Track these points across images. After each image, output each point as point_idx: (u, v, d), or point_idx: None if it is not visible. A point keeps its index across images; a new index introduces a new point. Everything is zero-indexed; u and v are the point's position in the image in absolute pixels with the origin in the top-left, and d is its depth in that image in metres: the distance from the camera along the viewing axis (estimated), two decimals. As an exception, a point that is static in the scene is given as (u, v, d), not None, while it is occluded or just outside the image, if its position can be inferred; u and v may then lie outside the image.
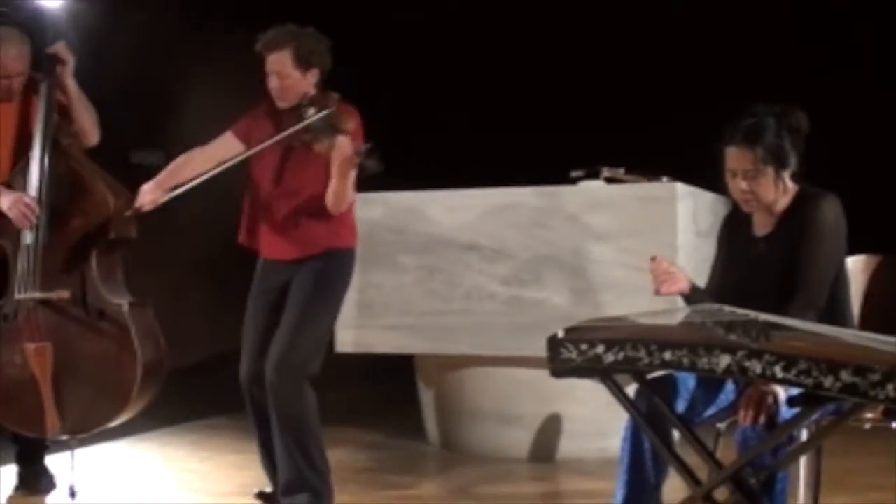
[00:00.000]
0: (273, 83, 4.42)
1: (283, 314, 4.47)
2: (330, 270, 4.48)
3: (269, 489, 4.68)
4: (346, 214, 4.49)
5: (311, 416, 4.43)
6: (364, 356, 6.05)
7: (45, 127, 4.72)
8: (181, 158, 4.56)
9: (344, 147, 4.19)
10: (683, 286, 3.53)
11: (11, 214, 4.61)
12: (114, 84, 5.86)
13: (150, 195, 4.44)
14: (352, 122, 4.27)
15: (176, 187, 4.45)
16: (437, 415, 6.18)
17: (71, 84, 4.81)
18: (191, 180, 4.43)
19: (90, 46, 5.14)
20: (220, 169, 4.40)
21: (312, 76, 4.42)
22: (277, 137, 4.34)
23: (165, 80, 8.32)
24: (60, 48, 4.78)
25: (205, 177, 4.40)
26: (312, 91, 4.40)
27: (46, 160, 4.70)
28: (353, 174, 4.25)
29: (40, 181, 4.67)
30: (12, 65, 4.72)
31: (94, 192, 4.74)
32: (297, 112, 4.36)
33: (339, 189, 4.29)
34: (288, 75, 4.38)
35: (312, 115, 4.26)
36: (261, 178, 4.49)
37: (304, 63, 4.38)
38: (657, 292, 3.54)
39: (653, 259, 3.56)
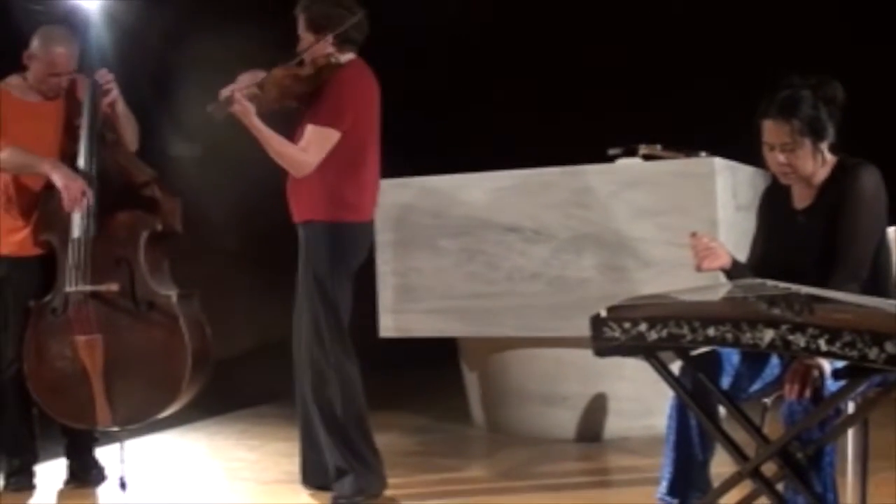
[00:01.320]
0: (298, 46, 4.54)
1: None
2: (309, 245, 4.46)
3: None
4: (330, 184, 4.40)
5: (341, 402, 4.43)
6: (407, 340, 6.07)
7: (92, 122, 4.77)
8: None
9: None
10: (724, 261, 3.51)
11: (65, 195, 4.62)
12: (148, 76, 5.88)
13: None
14: (278, 73, 4.32)
15: None
16: (483, 397, 6.19)
17: (119, 105, 4.84)
18: None
19: (124, 39, 5.16)
20: None
21: (327, 40, 4.44)
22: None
23: (199, 71, 8.35)
24: (104, 76, 4.78)
25: None
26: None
27: (94, 154, 4.75)
28: (259, 127, 4.26)
29: (88, 173, 4.72)
30: (63, 63, 4.77)
31: (140, 185, 4.78)
32: None
33: (266, 147, 4.32)
34: (303, 38, 4.49)
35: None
36: None
37: (315, 27, 4.46)
38: (698, 268, 3.53)
39: (693, 235, 3.55)
